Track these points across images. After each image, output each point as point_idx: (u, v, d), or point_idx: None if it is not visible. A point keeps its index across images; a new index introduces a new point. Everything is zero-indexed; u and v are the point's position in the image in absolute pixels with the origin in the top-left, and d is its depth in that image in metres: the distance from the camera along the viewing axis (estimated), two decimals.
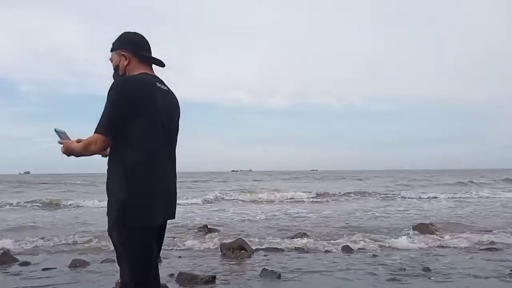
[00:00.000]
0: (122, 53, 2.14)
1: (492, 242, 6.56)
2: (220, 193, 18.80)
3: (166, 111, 2.10)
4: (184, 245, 6.57)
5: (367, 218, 10.28)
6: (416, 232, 7.43)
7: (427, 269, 4.87)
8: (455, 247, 6.33)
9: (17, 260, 5.51)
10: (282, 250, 6.21)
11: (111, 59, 2.20)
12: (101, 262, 5.40)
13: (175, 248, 6.39)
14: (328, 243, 6.56)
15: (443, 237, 6.99)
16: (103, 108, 2.00)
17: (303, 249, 6.24)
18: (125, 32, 2.20)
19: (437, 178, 39.68)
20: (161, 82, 2.15)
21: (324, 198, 17.59)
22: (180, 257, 5.84)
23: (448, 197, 17.09)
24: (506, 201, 15.29)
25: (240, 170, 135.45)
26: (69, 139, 2.15)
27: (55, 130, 2.14)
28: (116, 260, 2.17)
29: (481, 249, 6.13)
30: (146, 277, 2.05)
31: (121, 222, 1.99)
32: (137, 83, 2.03)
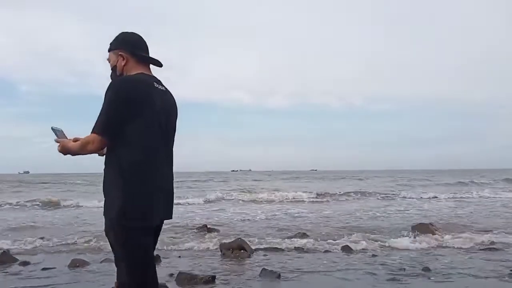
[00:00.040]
0: (120, 53, 2.13)
1: (492, 242, 6.55)
2: (221, 193, 18.80)
3: (163, 111, 2.10)
4: (184, 245, 6.57)
5: (367, 218, 10.28)
6: (416, 232, 7.42)
7: (427, 269, 4.87)
8: (455, 247, 6.33)
9: (16, 260, 5.51)
10: (282, 250, 6.21)
11: (108, 59, 2.20)
12: (101, 262, 5.40)
13: (174, 248, 6.39)
14: (327, 243, 6.56)
15: (443, 237, 6.99)
16: (101, 108, 1.99)
17: (303, 249, 6.24)
18: (123, 32, 2.19)
19: (437, 178, 39.68)
20: (159, 82, 2.15)
21: (324, 198, 17.59)
22: (179, 257, 5.84)
23: (448, 197, 17.09)
24: (506, 201, 15.29)
25: (240, 170, 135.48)
26: (66, 138, 2.15)
27: (52, 128, 2.14)
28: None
29: (481, 249, 6.13)
30: (145, 277, 2.05)
31: (118, 222, 1.98)
32: (134, 83, 2.03)
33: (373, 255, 5.80)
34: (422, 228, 7.62)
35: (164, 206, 2.12)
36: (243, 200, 16.52)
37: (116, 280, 2.11)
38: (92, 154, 2.10)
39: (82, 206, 13.90)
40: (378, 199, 17.27)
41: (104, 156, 2.10)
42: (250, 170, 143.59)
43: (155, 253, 5.69)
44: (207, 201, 15.85)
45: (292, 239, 6.97)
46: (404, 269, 4.94)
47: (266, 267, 4.87)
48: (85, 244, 6.73)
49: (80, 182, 33.76)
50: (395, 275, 4.67)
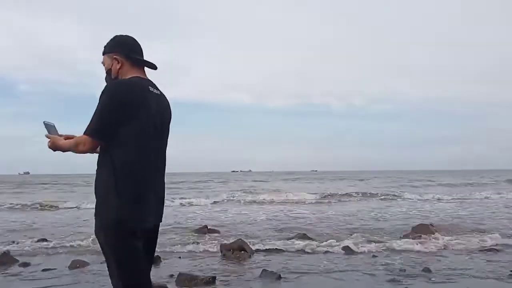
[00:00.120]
0: (115, 56, 2.13)
1: (493, 243, 6.55)
2: (221, 194, 18.79)
3: (158, 114, 2.10)
4: (184, 246, 6.57)
5: (368, 219, 10.27)
6: (416, 233, 7.41)
7: (427, 270, 4.87)
8: (455, 248, 6.32)
9: (17, 261, 5.51)
10: (282, 251, 6.21)
11: (103, 63, 2.19)
12: (101, 263, 5.38)
13: (175, 248, 6.39)
14: (328, 244, 6.55)
15: (443, 238, 6.97)
16: (94, 110, 1.99)
17: (303, 250, 6.23)
18: (117, 35, 2.19)
19: (438, 178, 39.63)
20: (154, 86, 2.15)
21: (325, 198, 17.59)
22: (180, 257, 5.85)
23: (449, 198, 17.05)
24: (508, 202, 15.25)
25: (240, 171, 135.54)
26: (58, 133, 2.15)
27: (44, 122, 2.14)
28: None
29: (482, 250, 6.12)
30: (136, 281, 2.01)
31: (109, 223, 1.97)
32: (129, 87, 2.02)
33: (374, 256, 5.80)
34: (422, 229, 7.61)
35: (156, 208, 2.12)
36: (243, 201, 16.51)
37: None
38: (89, 154, 2.10)
39: (82, 207, 13.91)
40: (379, 199, 17.24)
41: (98, 156, 2.09)
42: (250, 170, 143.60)
43: (155, 254, 5.70)
44: (208, 202, 15.82)
45: (292, 240, 6.96)
46: (405, 270, 4.94)
47: (266, 268, 4.87)
48: (86, 245, 6.73)
49: (81, 183, 33.76)
50: (395, 276, 4.67)
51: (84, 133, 2.00)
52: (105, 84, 2.12)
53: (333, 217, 10.64)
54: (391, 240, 6.84)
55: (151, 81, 2.17)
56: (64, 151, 2.08)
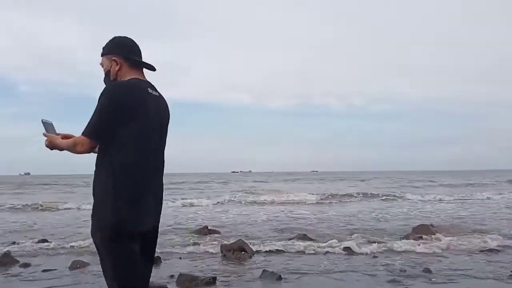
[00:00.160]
0: (113, 58, 2.13)
1: (493, 244, 6.53)
2: (222, 195, 18.79)
3: (157, 116, 2.11)
4: (185, 246, 6.57)
5: (368, 220, 10.26)
6: (417, 233, 7.40)
7: (427, 271, 4.86)
8: (456, 249, 6.31)
9: (17, 262, 5.51)
10: (283, 251, 6.20)
11: (101, 64, 2.19)
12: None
13: (175, 249, 6.38)
14: (328, 244, 6.55)
15: (444, 239, 6.96)
16: (93, 112, 1.99)
17: (304, 250, 6.23)
18: (116, 37, 2.19)
19: (439, 179, 39.62)
20: (153, 87, 2.15)
21: (325, 199, 17.57)
22: (180, 258, 5.85)
23: (450, 199, 17.02)
24: (509, 202, 15.22)
25: (241, 171, 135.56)
26: (55, 132, 2.16)
27: (42, 121, 2.14)
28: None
29: (482, 251, 6.11)
30: (131, 281, 2.00)
31: (106, 224, 1.96)
32: (128, 88, 2.03)
33: (374, 257, 5.79)
34: (423, 230, 7.60)
35: (153, 210, 2.11)
36: (244, 202, 16.50)
37: None
38: (89, 155, 2.10)
39: (82, 207, 13.91)
40: (379, 200, 17.23)
41: (96, 158, 2.09)
42: (250, 171, 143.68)
43: (156, 255, 5.69)
44: (208, 203, 15.81)
45: (292, 241, 6.96)
46: (405, 270, 4.94)
47: (266, 269, 4.87)
48: (86, 246, 6.72)
49: (81, 183, 33.77)
50: (396, 276, 4.66)
51: (82, 134, 2.00)
52: (103, 85, 2.12)
53: (333, 218, 10.63)
54: (392, 241, 6.83)
55: (150, 82, 2.17)
56: (61, 150, 2.08)
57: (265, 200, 16.87)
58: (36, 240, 7.20)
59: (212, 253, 6.10)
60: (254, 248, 6.18)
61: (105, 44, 2.18)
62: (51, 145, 2.09)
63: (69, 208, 14.15)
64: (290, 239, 7.20)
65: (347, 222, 9.78)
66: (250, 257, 5.80)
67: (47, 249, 6.57)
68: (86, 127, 1.99)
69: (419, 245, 6.42)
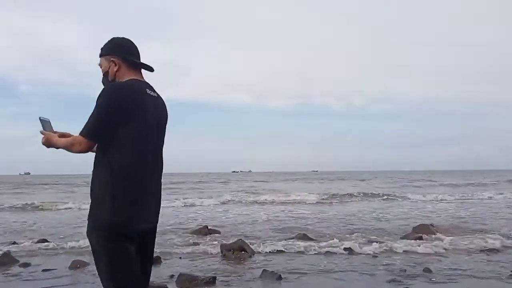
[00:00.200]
0: (112, 59, 2.13)
1: (493, 244, 6.53)
2: (222, 194, 18.78)
3: (155, 116, 2.11)
4: (185, 246, 6.57)
5: (368, 219, 10.26)
6: (417, 233, 7.40)
7: (428, 270, 4.86)
8: (456, 248, 6.31)
9: (17, 261, 5.51)
10: (283, 251, 6.20)
11: (100, 65, 2.19)
12: None
13: (175, 249, 6.38)
14: (328, 244, 6.55)
15: (444, 238, 6.97)
16: (91, 112, 2.00)
17: (304, 250, 6.23)
18: (114, 38, 2.19)
19: (439, 179, 39.62)
20: (151, 88, 2.15)
21: (326, 199, 17.55)
22: (180, 258, 5.84)
23: (450, 198, 17.02)
24: (510, 202, 15.23)
25: (241, 171, 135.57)
26: (52, 129, 2.16)
27: (39, 118, 2.14)
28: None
29: (482, 251, 6.11)
30: (126, 282, 1.99)
31: (103, 224, 1.96)
32: (127, 89, 2.03)
33: (374, 256, 5.79)
34: (423, 229, 7.60)
35: (152, 210, 2.11)
36: (244, 201, 16.49)
37: None
38: (88, 154, 2.10)
39: (82, 207, 13.91)
40: (379, 200, 17.22)
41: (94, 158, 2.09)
42: (250, 171, 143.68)
43: (156, 254, 5.68)
44: (208, 202, 15.81)
45: (293, 240, 6.96)
46: (405, 270, 4.93)
47: (266, 268, 4.87)
48: (86, 246, 6.73)
49: (81, 183, 33.78)
50: (396, 276, 4.66)
51: (80, 134, 2.00)
52: (102, 86, 2.13)
53: (333, 218, 10.63)
54: (392, 241, 6.83)
55: (148, 83, 2.17)
56: (57, 148, 2.08)
57: (265, 200, 16.86)
58: (36, 240, 7.20)
59: (212, 253, 6.10)
60: (254, 248, 6.18)
61: (104, 45, 2.18)
62: (48, 143, 2.09)
63: (69, 208, 14.15)
64: (290, 238, 7.21)
65: (347, 221, 9.78)
66: (250, 256, 5.80)
67: (46, 249, 6.57)
68: (84, 127, 1.99)
69: (419, 245, 6.42)
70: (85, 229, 2.12)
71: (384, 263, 5.34)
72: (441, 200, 16.53)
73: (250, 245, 6.21)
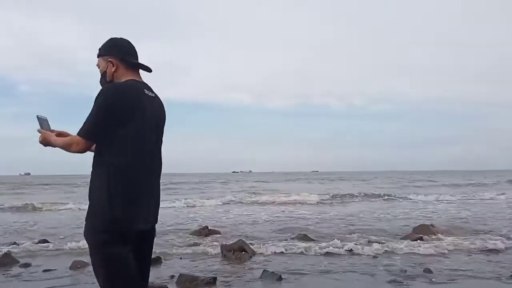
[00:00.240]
0: (109, 59, 2.13)
1: (494, 244, 6.53)
2: (222, 195, 18.78)
3: (153, 117, 2.12)
4: (185, 246, 6.56)
5: (369, 220, 10.26)
6: (417, 233, 7.40)
7: (428, 271, 4.86)
8: (456, 249, 6.31)
9: (18, 262, 5.52)
10: (283, 251, 6.19)
11: (98, 65, 2.20)
12: None
13: (175, 249, 6.38)
14: (329, 244, 6.54)
15: (444, 239, 6.97)
16: (89, 112, 2.00)
17: (304, 250, 6.22)
18: (112, 38, 2.20)
19: (439, 179, 39.61)
20: (149, 88, 2.16)
21: (326, 199, 17.54)
22: (181, 258, 5.85)
23: (450, 199, 16.98)
24: (509, 202, 15.21)
25: (241, 171, 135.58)
26: (50, 128, 2.17)
27: (37, 116, 2.15)
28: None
29: (483, 251, 6.11)
30: (123, 282, 1.99)
31: (100, 224, 1.96)
32: (125, 90, 2.03)
33: (374, 257, 5.79)
34: (423, 230, 7.60)
35: (149, 210, 2.11)
36: (244, 202, 16.49)
37: None
38: (87, 155, 2.10)
39: (82, 208, 13.91)
40: (379, 200, 17.20)
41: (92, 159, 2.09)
42: (250, 171, 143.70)
43: (156, 255, 5.69)
44: (208, 203, 15.80)
45: (293, 241, 6.96)
46: (405, 270, 4.93)
47: (267, 269, 4.87)
48: (86, 246, 6.72)
49: (81, 183, 33.77)
50: (396, 276, 4.66)
51: (78, 134, 2.01)
52: (100, 86, 2.13)
53: (334, 218, 10.63)
54: (392, 241, 6.83)
55: (146, 83, 2.18)
56: (55, 147, 2.09)
57: (265, 200, 16.85)
58: (36, 240, 7.20)
59: (212, 253, 6.10)
60: (254, 249, 6.18)
61: (102, 45, 2.19)
62: (45, 142, 2.11)
63: (69, 208, 14.15)
64: (290, 239, 7.21)
65: (348, 222, 9.77)
66: (251, 257, 5.80)
67: (47, 249, 6.57)
68: (82, 127, 2.00)
69: (419, 245, 6.42)
70: None
71: (384, 264, 5.34)
72: (441, 200, 16.51)
73: (251, 246, 6.21)
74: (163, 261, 5.57)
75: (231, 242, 6.38)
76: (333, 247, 6.38)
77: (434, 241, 6.79)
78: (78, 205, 14.43)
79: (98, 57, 2.19)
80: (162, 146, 2.24)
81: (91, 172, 2.07)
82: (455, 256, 5.88)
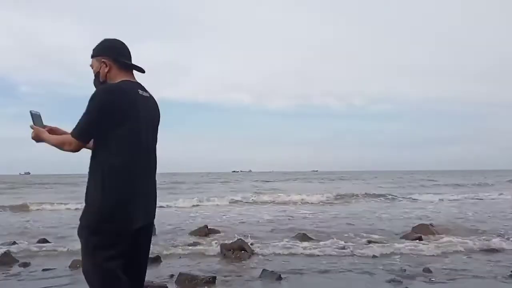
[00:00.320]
0: (103, 60, 2.14)
1: (493, 243, 6.54)
2: (222, 194, 18.78)
3: (148, 117, 2.13)
4: (185, 245, 6.56)
5: (368, 219, 10.27)
6: (416, 233, 7.40)
7: (427, 270, 4.86)
8: (456, 248, 6.31)
9: (17, 261, 5.52)
10: (283, 251, 6.20)
11: (91, 66, 2.21)
12: None
13: (175, 248, 6.38)
14: (329, 244, 6.55)
15: (443, 238, 6.97)
16: (83, 113, 2.01)
17: (304, 250, 6.23)
18: (105, 39, 2.21)
19: (439, 179, 39.62)
20: (143, 88, 2.16)
21: (326, 199, 17.53)
22: (180, 257, 5.85)
23: (450, 198, 17.00)
24: (509, 202, 15.22)
25: (241, 171, 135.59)
26: (43, 123, 2.19)
27: (30, 112, 2.16)
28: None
29: (482, 250, 6.12)
30: (113, 281, 1.98)
31: (95, 222, 1.97)
32: (118, 90, 2.04)
33: (374, 256, 5.79)
34: (422, 229, 7.61)
35: (144, 210, 2.11)
36: (244, 201, 16.50)
37: None
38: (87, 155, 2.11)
39: (82, 207, 13.90)
40: (379, 200, 17.20)
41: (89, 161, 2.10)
42: (250, 171, 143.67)
43: (155, 254, 5.69)
44: (208, 203, 15.81)
45: (293, 240, 6.96)
46: (405, 270, 4.94)
47: (266, 268, 4.87)
48: None
49: (81, 183, 33.78)
50: (395, 276, 4.66)
51: (71, 134, 2.02)
52: (93, 86, 2.14)
53: (333, 218, 10.64)
54: (392, 240, 6.84)
55: (140, 83, 2.19)
56: (47, 143, 2.11)
57: (265, 200, 16.86)
58: (36, 239, 7.20)
59: (212, 252, 6.10)
60: (254, 248, 6.19)
61: (95, 46, 2.20)
62: (38, 138, 2.13)
63: (69, 208, 14.14)
64: (290, 238, 7.21)
65: (347, 221, 9.78)
66: (250, 256, 5.81)
67: (47, 248, 6.57)
68: (75, 127, 2.01)
69: (419, 245, 6.43)
70: None
71: (384, 263, 5.34)
72: (441, 200, 16.52)
73: (250, 245, 6.22)
74: (162, 260, 5.57)
75: (231, 241, 6.38)
76: (333, 246, 6.39)
77: (433, 241, 6.79)
78: (78, 204, 14.44)
79: (91, 57, 2.20)
80: (157, 146, 2.25)
81: (88, 172, 2.08)
82: (455, 255, 5.88)
